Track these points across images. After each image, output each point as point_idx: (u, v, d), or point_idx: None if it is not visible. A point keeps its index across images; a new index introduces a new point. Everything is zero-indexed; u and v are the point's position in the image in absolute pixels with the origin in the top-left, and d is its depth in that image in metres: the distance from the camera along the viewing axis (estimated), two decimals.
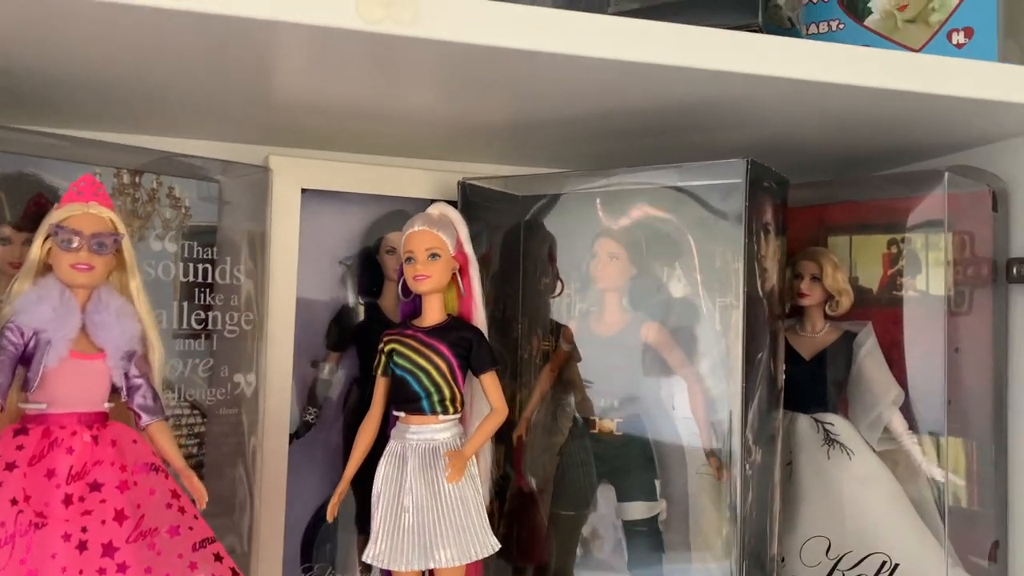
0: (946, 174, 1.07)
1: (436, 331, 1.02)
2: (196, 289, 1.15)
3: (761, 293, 1.03)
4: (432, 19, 0.83)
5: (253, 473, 1.19)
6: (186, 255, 1.16)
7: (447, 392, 1.01)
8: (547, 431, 1.21)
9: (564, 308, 1.23)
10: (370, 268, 1.30)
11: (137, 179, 1.16)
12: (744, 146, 1.18)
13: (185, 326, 1.14)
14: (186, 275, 1.16)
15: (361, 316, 1.30)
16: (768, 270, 1.05)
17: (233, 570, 0.90)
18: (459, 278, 1.05)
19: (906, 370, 1.17)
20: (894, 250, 1.20)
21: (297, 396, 1.26)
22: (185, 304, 1.14)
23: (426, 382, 1.00)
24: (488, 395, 1.03)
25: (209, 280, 1.16)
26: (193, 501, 0.92)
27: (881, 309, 1.21)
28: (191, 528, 0.89)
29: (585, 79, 0.95)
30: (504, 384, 1.24)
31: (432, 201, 1.13)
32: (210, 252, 1.17)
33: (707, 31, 0.90)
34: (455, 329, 1.03)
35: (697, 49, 0.91)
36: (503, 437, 1.23)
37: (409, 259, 1.02)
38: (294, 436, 1.25)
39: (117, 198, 1.14)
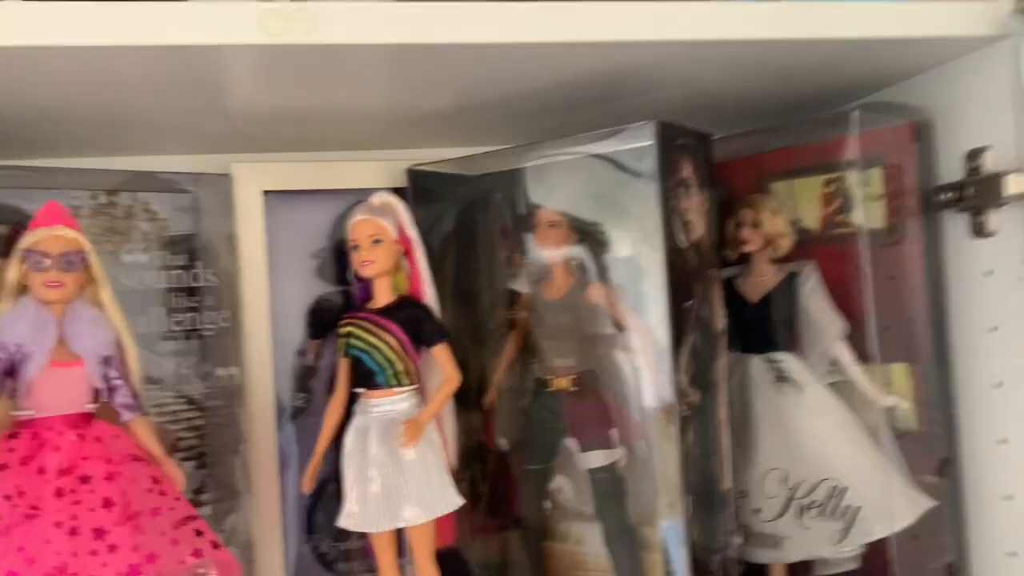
0: (852, 114, 1.11)
1: (386, 311, 1.11)
2: (175, 294, 1.25)
3: (685, 244, 1.09)
4: (330, 26, 0.90)
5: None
6: (166, 264, 1.26)
7: (400, 366, 1.09)
8: (516, 395, 1.28)
9: (523, 279, 1.30)
10: (341, 259, 1.39)
11: (113, 198, 1.26)
12: (675, 106, 1.23)
13: (168, 329, 1.24)
14: (168, 282, 1.26)
15: (338, 304, 1.39)
16: (692, 222, 1.10)
17: (214, 543, 1.00)
18: (405, 260, 1.13)
19: (849, 303, 1.21)
20: (830, 189, 1.25)
21: (283, 383, 1.35)
22: (166, 309, 1.24)
23: (380, 359, 1.09)
24: (440, 365, 1.11)
25: (186, 285, 1.26)
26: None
27: (824, 247, 1.26)
28: (172, 508, 0.99)
29: (501, 64, 1.02)
30: (474, 354, 1.32)
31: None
32: (187, 259, 1.27)
33: (611, 5, 0.95)
34: (404, 308, 1.11)
35: (600, 24, 0.97)
36: (476, 404, 1.31)
37: (355, 247, 1.10)
38: (293, 417, 1.35)
39: (96, 217, 1.24)
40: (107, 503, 0.94)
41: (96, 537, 0.92)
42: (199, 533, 0.99)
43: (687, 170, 1.10)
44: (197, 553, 0.98)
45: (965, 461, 1.17)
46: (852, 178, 1.21)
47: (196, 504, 1.28)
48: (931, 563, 1.17)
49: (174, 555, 0.96)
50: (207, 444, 1.30)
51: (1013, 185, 1.02)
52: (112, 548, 0.92)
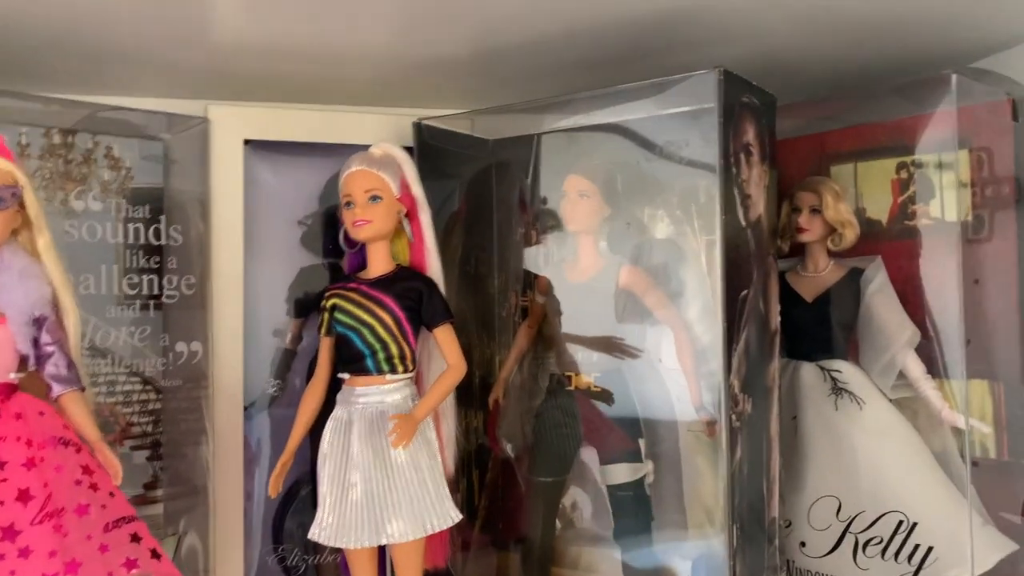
0: (954, 78, 0.93)
1: (381, 283, 0.92)
2: (132, 252, 1.06)
3: (744, 223, 0.91)
4: None
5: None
6: (123, 216, 1.08)
7: (394, 349, 0.91)
8: (527, 393, 1.11)
9: (541, 258, 1.13)
10: (332, 227, 1.20)
11: (70, 139, 1.07)
12: (731, 66, 1.06)
13: (122, 292, 1.06)
14: (125, 237, 1.07)
15: (326, 280, 1.20)
16: (752, 197, 0.93)
17: (153, 551, 0.81)
18: (407, 223, 0.95)
19: (921, 307, 1.04)
20: (904, 175, 1.07)
21: (256, 367, 1.17)
22: (120, 268, 1.05)
23: (370, 338, 0.90)
24: (443, 350, 0.93)
25: (146, 242, 1.07)
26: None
27: (892, 242, 1.08)
28: (104, 507, 0.80)
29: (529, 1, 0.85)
30: (482, 345, 1.14)
31: None
32: (148, 213, 1.09)
33: None
34: (403, 279, 0.93)
35: None
36: (479, 402, 1.13)
37: (348, 203, 0.92)
38: (266, 407, 1.17)
39: (48, 159, 1.06)
40: (23, 495, 0.76)
41: (5, 537, 0.74)
42: (136, 538, 0.81)
43: (750, 134, 0.93)
44: (131, 563, 0.79)
45: None
46: (933, 161, 1.03)
47: (147, 501, 1.10)
48: None
49: (102, 564, 0.78)
50: (163, 432, 1.12)
51: None
52: (24, 552, 0.74)
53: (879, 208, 1.10)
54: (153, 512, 1.12)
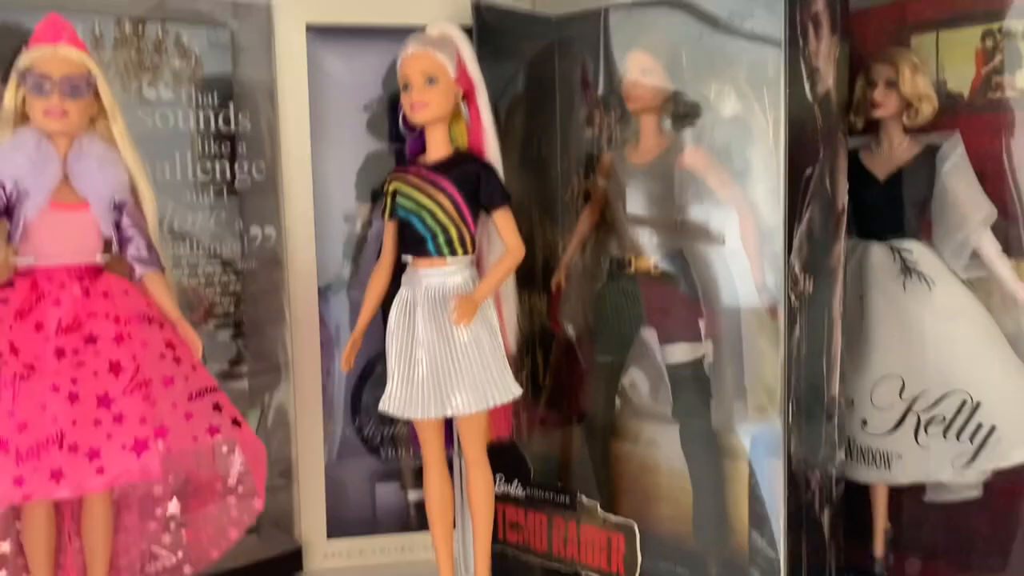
0: None
1: (440, 167, 0.94)
2: (204, 139, 1.10)
3: (811, 98, 0.88)
4: None
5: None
6: (194, 103, 1.11)
7: (454, 232, 0.92)
8: (589, 277, 1.12)
9: (604, 141, 1.11)
10: (396, 112, 1.21)
11: (140, 28, 1.10)
12: None
13: (197, 178, 1.10)
14: (197, 124, 1.11)
15: (392, 164, 1.22)
16: (820, 70, 0.89)
17: (234, 419, 0.87)
18: (465, 106, 0.95)
19: (1003, 185, 1.00)
20: (989, 44, 1.01)
21: (330, 252, 1.21)
22: (193, 155, 1.09)
23: (430, 222, 0.92)
24: (501, 233, 0.94)
25: (217, 130, 1.11)
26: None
27: (973, 116, 1.03)
28: (187, 378, 0.86)
29: None
30: (544, 229, 1.15)
31: None
32: (218, 101, 1.12)
33: None
34: (461, 163, 0.94)
35: None
36: (543, 285, 1.15)
37: (406, 86, 0.93)
38: (341, 289, 1.21)
39: (120, 49, 1.09)
40: (114, 367, 0.82)
41: (100, 405, 0.80)
42: (218, 408, 0.87)
43: (819, 3, 0.88)
44: (214, 430, 0.85)
45: None
46: (1021, 29, 0.97)
47: (233, 377, 1.18)
48: None
49: (187, 430, 0.84)
50: (244, 312, 1.18)
51: None
52: (118, 418, 0.80)
53: (961, 80, 1.04)
54: (238, 387, 1.20)
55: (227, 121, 1.10)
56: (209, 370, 0.91)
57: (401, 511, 1.24)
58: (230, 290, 1.17)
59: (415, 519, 1.23)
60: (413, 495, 1.24)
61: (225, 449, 0.92)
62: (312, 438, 1.18)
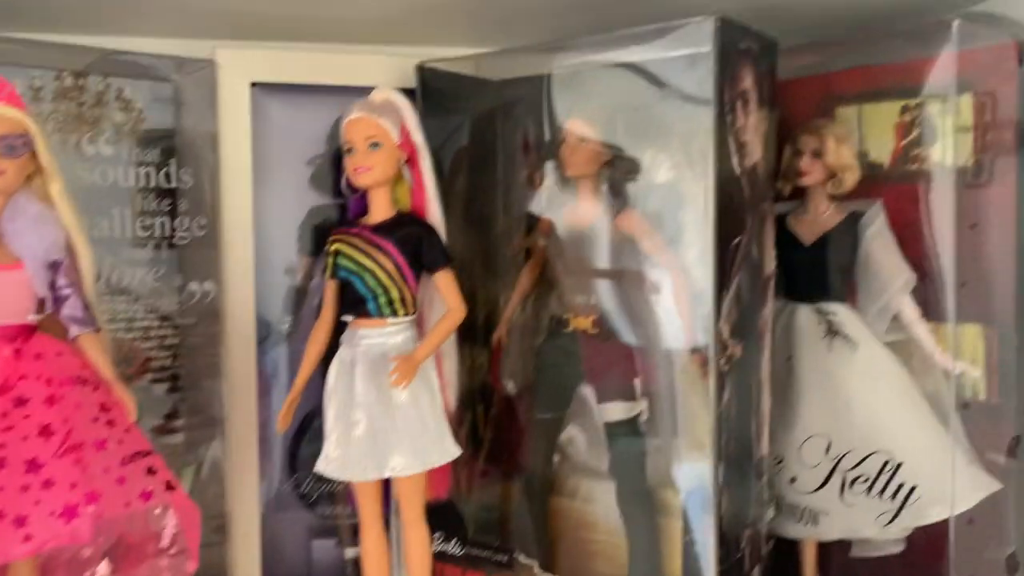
0: (955, 22, 0.92)
1: (383, 228, 0.95)
2: (144, 195, 1.09)
3: (739, 170, 0.92)
4: None
5: None
6: (135, 159, 1.10)
7: (395, 293, 0.94)
8: (529, 333, 1.14)
9: (544, 201, 1.14)
10: (339, 168, 1.22)
11: (81, 81, 1.09)
12: (732, 9, 1.05)
13: (136, 234, 1.09)
14: (137, 181, 1.10)
15: (335, 220, 1.23)
16: (748, 144, 0.93)
17: (168, 483, 0.86)
18: (408, 169, 0.97)
19: (920, 251, 1.05)
20: (907, 118, 1.07)
21: (269, 304, 1.21)
22: (133, 212, 1.08)
23: (371, 283, 0.93)
24: (443, 294, 0.96)
25: (158, 185, 1.10)
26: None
27: (894, 185, 1.09)
28: (121, 441, 0.85)
29: None
30: (486, 285, 1.17)
31: None
32: (160, 156, 1.11)
33: None
34: (404, 225, 0.95)
35: None
36: (483, 340, 1.16)
37: (349, 150, 0.94)
38: (281, 342, 1.21)
39: (60, 102, 1.08)
40: (44, 431, 0.81)
41: (28, 470, 0.79)
42: (152, 471, 0.86)
43: (747, 81, 0.93)
44: (147, 495, 0.84)
45: None
46: (936, 105, 1.03)
47: (168, 431, 1.16)
48: (988, 553, 1.03)
49: (120, 495, 0.83)
50: (182, 365, 1.17)
51: None
52: (47, 484, 0.79)
53: (882, 151, 1.10)
54: (173, 441, 1.18)
55: (168, 177, 1.10)
56: (144, 424, 0.89)
57: (337, 568, 1.23)
58: (167, 343, 1.16)
59: None
60: (350, 552, 1.23)
61: (158, 511, 0.91)
62: (247, 493, 1.17)
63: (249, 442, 1.16)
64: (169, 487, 0.86)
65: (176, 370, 1.17)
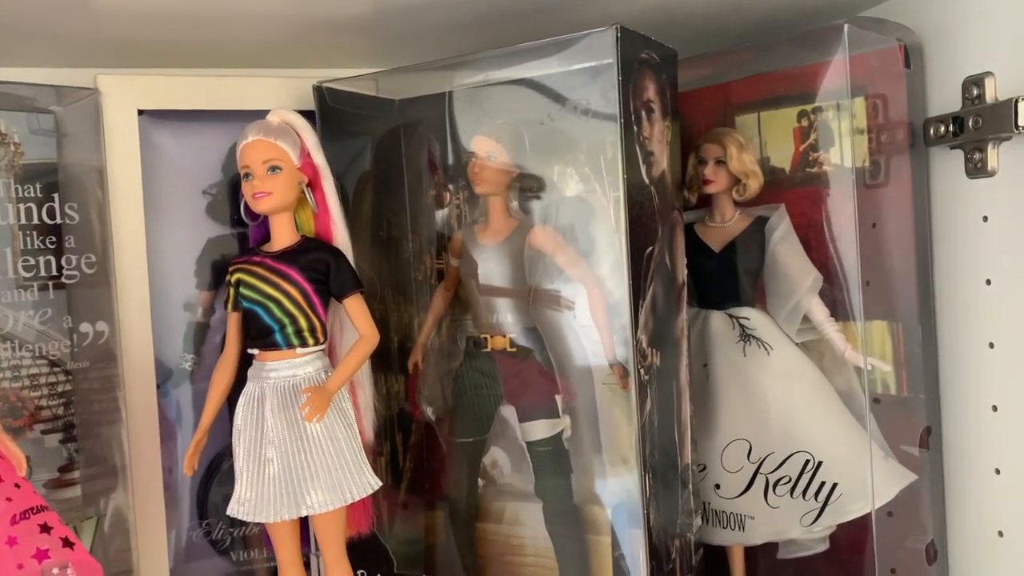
0: (845, 28, 0.95)
1: (286, 255, 0.91)
2: (25, 233, 1.02)
3: (647, 180, 0.92)
4: None
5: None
6: (12, 195, 1.03)
7: (303, 322, 0.90)
8: (446, 356, 1.11)
9: (454, 221, 1.12)
10: (237, 196, 1.17)
11: None
12: (630, 22, 1.05)
13: (19, 275, 1.02)
14: (16, 218, 1.03)
15: (235, 250, 1.18)
16: (655, 154, 0.93)
17: (65, 539, 0.80)
18: (311, 193, 0.93)
19: (824, 252, 1.07)
20: (804, 123, 1.09)
21: (169, 343, 1.15)
22: (12, 250, 1.01)
23: (277, 313, 0.89)
24: (354, 321, 0.92)
25: (40, 222, 1.03)
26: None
27: (796, 189, 1.11)
28: (9, 499, 0.78)
29: None
30: (399, 310, 1.14)
31: None
32: (41, 191, 1.05)
33: None
34: (309, 251, 0.92)
35: None
36: (399, 367, 1.13)
37: (247, 175, 0.90)
38: (183, 382, 1.15)
39: None
40: None
41: None
42: (46, 528, 0.79)
43: (650, 91, 0.93)
44: (42, 554, 0.78)
45: (950, 431, 1.04)
46: (831, 109, 1.05)
47: (64, 484, 1.08)
48: (909, 543, 1.05)
49: (12, 557, 0.76)
50: (75, 413, 1.10)
51: None
52: None
53: (783, 156, 1.12)
54: (71, 495, 1.10)
55: (51, 213, 1.03)
56: (36, 479, 0.83)
57: None
58: (59, 390, 1.09)
59: None
60: None
61: (56, 571, 0.84)
62: (154, 543, 1.10)
63: (154, 489, 1.09)
64: (67, 543, 0.79)
65: (70, 418, 1.10)
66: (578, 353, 1.02)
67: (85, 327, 1.04)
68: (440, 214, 1.12)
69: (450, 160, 1.09)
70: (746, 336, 1.08)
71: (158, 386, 1.11)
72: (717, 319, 1.11)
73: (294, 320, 0.89)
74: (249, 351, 0.92)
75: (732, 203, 1.11)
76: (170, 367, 1.15)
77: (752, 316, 1.09)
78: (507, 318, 1.04)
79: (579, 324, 1.02)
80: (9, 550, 0.76)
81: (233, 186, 1.17)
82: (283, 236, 0.92)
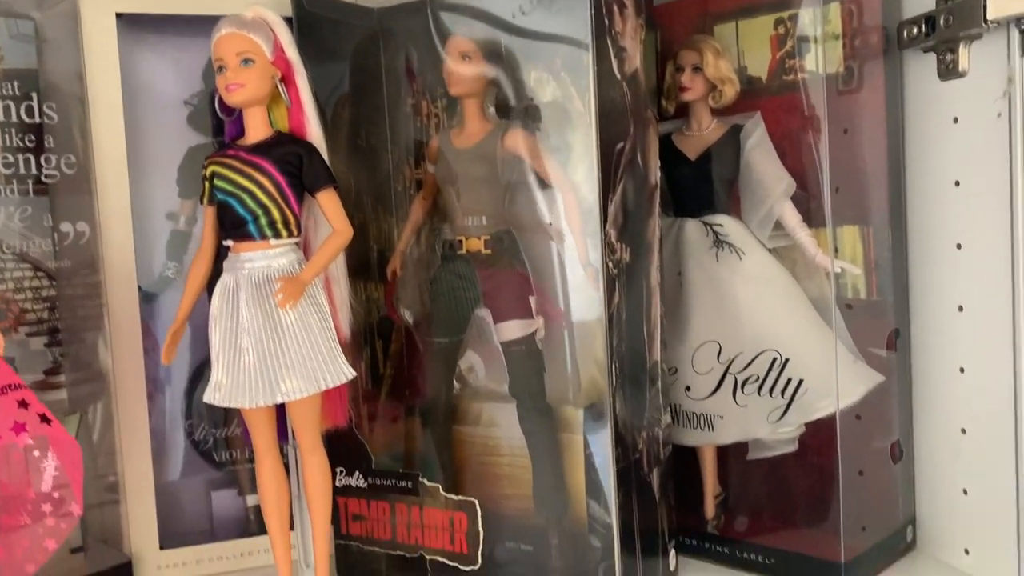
0: None
1: (260, 148, 0.92)
2: (3, 130, 1.04)
3: (619, 75, 0.92)
4: None
5: None
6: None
7: (276, 214, 0.91)
8: (424, 264, 1.12)
9: (432, 129, 1.13)
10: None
11: None
12: None
13: None
14: None
15: None
16: (628, 49, 0.94)
17: (43, 415, 0.82)
18: (284, 88, 0.94)
19: (798, 159, 1.07)
20: (781, 30, 1.09)
21: (153, 250, 1.17)
22: None
23: (251, 204, 0.91)
24: (327, 215, 0.93)
25: (18, 120, 1.04)
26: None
27: (772, 97, 1.11)
28: None
29: None
30: (379, 220, 1.15)
31: None
32: (16, 89, 1.06)
33: None
34: (282, 144, 0.93)
35: None
36: (379, 275, 1.15)
37: (220, 68, 0.91)
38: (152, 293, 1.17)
39: None
40: None
41: None
42: (24, 404, 0.81)
43: None
44: (19, 427, 0.80)
45: (917, 332, 1.06)
46: (807, 16, 1.05)
47: (49, 387, 1.11)
48: (875, 443, 1.07)
49: None
50: (60, 318, 1.12)
51: (994, 7, 0.88)
52: None
53: (760, 65, 1.12)
54: (57, 397, 1.13)
55: (31, 112, 1.04)
56: (23, 379, 0.85)
57: (240, 517, 1.20)
58: (43, 295, 1.11)
59: (255, 524, 1.19)
60: (251, 500, 1.20)
61: (36, 453, 0.86)
62: (139, 449, 1.13)
63: (137, 396, 1.12)
64: (44, 420, 0.81)
65: (54, 323, 1.12)
66: (553, 255, 1.03)
67: (66, 227, 1.06)
68: (418, 122, 1.13)
69: (427, 65, 1.09)
70: (719, 242, 1.10)
71: (143, 294, 1.12)
72: (692, 227, 1.12)
73: (267, 211, 0.91)
74: (224, 243, 0.93)
75: (709, 111, 1.11)
76: (154, 276, 1.17)
77: (726, 223, 1.10)
78: (481, 220, 1.05)
79: (554, 228, 1.03)
80: None
81: (214, 96, 1.17)
82: (257, 130, 0.93)
